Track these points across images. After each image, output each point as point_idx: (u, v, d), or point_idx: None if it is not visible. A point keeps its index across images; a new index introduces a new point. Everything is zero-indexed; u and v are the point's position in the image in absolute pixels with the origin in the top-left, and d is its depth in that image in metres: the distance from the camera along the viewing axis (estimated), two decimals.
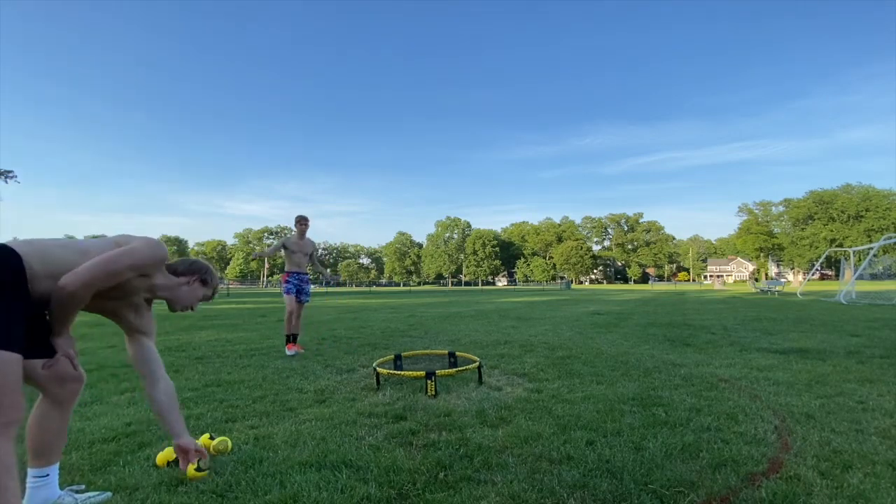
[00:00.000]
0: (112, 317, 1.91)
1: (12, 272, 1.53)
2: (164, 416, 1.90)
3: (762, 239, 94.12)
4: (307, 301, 5.89)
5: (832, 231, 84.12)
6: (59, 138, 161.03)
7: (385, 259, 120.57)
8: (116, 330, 8.10)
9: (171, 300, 1.96)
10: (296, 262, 5.87)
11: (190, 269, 2.00)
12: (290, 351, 5.42)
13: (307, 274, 6.01)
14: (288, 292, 5.75)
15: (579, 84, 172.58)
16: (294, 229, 5.99)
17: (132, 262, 1.74)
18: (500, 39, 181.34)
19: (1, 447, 1.42)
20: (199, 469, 1.94)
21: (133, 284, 1.83)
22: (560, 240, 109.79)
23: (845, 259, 25.18)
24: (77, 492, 1.89)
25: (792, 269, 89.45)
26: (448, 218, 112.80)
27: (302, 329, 6.06)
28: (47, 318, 1.69)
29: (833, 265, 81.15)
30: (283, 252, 5.95)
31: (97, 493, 1.91)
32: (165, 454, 2.20)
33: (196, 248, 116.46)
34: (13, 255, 1.55)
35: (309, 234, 6.04)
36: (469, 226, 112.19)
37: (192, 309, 2.02)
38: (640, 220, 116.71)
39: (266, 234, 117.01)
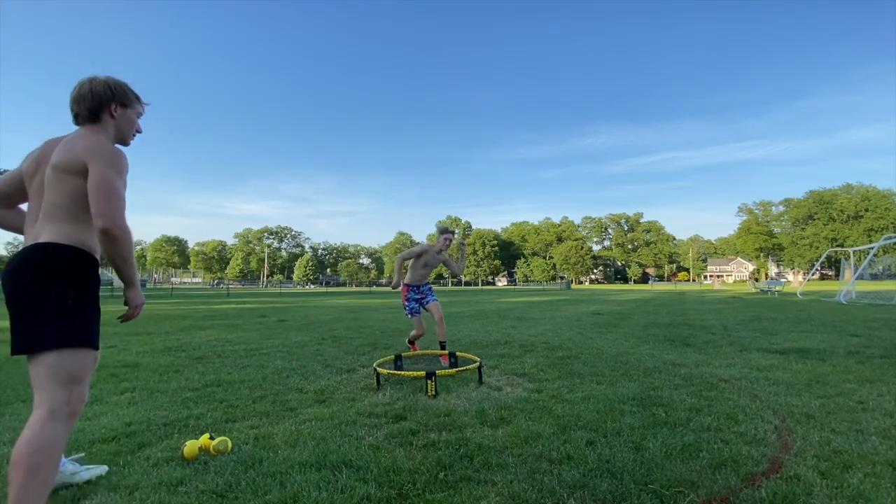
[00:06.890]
0: None
1: (97, 277, 1.67)
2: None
3: (762, 239, 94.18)
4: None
5: (832, 231, 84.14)
6: None
7: (385, 259, 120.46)
8: (115, 330, 7.99)
9: (119, 143, 1.84)
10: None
11: (99, 104, 1.74)
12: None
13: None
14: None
15: (580, 84, 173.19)
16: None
17: (124, 178, 1.67)
18: (501, 39, 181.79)
19: (65, 433, 1.53)
20: None
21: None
22: (560, 240, 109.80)
23: (845, 259, 25.17)
24: (77, 461, 2.06)
25: (792, 268, 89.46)
26: (448, 218, 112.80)
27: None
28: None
29: (833, 265, 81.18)
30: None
31: (94, 466, 2.09)
32: (192, 448, 2.23)
33: (196, 247, 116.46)
34: (95, 261, 1.66)
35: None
36: (469, 226, 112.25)
37: (138, 132, 1.89)
38: (641, 220, 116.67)
39: (266, 234, 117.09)
